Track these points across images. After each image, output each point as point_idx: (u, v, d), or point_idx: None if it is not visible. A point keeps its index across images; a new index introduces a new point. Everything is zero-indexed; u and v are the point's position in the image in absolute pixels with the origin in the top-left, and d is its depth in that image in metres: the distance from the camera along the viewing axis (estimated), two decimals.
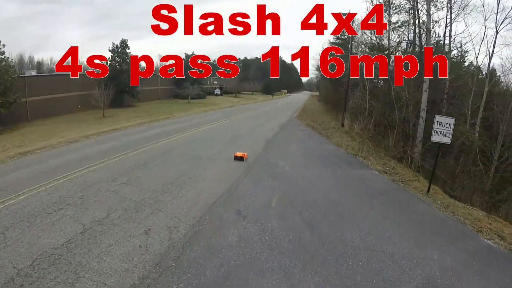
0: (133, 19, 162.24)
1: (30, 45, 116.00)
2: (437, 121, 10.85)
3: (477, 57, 22.88)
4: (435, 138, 10.96)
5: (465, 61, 26.60)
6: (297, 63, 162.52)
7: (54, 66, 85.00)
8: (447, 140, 11.07)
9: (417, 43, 25.78)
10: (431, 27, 21.54)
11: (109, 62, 44.81)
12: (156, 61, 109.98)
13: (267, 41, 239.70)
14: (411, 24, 26.49)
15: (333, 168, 12.31)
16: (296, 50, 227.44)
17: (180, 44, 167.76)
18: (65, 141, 16.40)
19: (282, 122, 25.99)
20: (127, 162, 11.68)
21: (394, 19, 27.31)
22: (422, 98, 21.06)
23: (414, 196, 10.08)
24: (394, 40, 27.09)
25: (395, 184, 11.34)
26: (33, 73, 44.00)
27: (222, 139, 16.77)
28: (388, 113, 25.29)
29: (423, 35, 25.26)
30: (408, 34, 26.81)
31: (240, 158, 12.17)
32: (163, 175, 10.09)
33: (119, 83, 42.53)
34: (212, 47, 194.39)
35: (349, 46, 30.24)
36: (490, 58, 21.41)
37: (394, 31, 26.72)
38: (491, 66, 23.60)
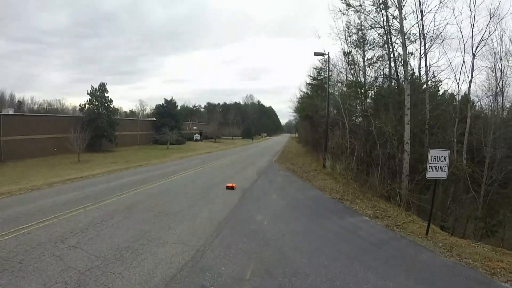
0: (116, 64, 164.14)
1: (13, 83, 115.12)
2: (432, 156, 9.69)
3: (458, 83, 22.62)
4: (430, 174, 9.72)
5: (439, 90, 26.46)
6: (275, 106, 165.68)
7: (35, 106, 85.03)
8: (443, 175, 9.91)
9: (394, 76, 25.55)
10: (407, 59, 21.21)
11: (87, 106, 44.20)
12: (137, 106, 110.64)
13: (246, 86, 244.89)
14: (385, 59, 26.43)
15: (318, 219, 10.68)
16: (274, 93, 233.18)
17: (161, 88, 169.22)
18: (27, 188, 15.04)
19: (261, 168, 24.56)
20: (83, 218, 9.96)
21: (369, 55, 27.29)
22: (405, 131, 20.24)
23: (413, 243, 8.69)
24: (371, 76, 26.84)
25: (390, 231, 9.89)
26: (10, 111, 42.70)
27: (194, 191, 15.01)
28: (370, 150, 24.33)
29: (400, 68, 25.11)
30: (383, 69, 26.65)
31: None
32: (120, 236, 8.33)
33: (96, 127, 41.95)
34: (193, 92, 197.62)
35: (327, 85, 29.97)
36: (470, 82, 21.03)
37: (370, 67, 26.52)
38: (471, 91, 23.23)
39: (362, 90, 23.94)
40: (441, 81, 24.54)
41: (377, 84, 26.44)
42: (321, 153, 33.25)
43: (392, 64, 25.41)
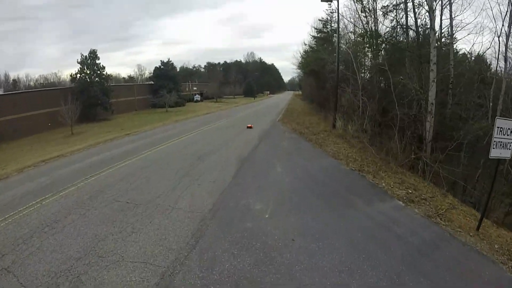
0: (111, 31, 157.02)
1: (9, 63, 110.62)
2: (498, 127, 6.68)
3: (499, 36, 18.32)
4: (494, 153, 6.80)
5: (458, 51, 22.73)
6: (277, 64, 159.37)
7: (31, 83, 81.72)
8: (507, 154, 6.97)
9: (413, 27, 21.75)
10: (433, 4, 17.42)
11: (78, 75, 41.62)
12: (135, 71, 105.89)
13: (246, 44, 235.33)
14: (401, 8, 22.45)
15: (338, 207, 7.80)
16: (276, 51, 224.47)
17: (159, 52, 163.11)
18: None
19: (264, 129, 21.50)
20: (33, 219, 7.38)
21: (384, 2, 23.28)
22: (430, 90, 17.01)
23: (468, 247, 6.07)
24: (386, 26, 22.96)
25: (433, 224, 7.18)
26: (0, 92, 40.54)
27: (180, 163, 12.16)
28: (386, 109, 21.14)
29: (422, 17, 21.27)
30: (399, 19, 22.72)
31: None
32: (65, 250, 5.81)
33: (89, 96, 39.78)
34: (191, 52, 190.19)
35: (337, 35, 26.21)
36: (508, 37, 17.20)
37: (385, 16, 22.56)
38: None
39: (378, 41, 20.27)
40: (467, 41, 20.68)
41: (392, 35, 22.66)
42: (329, 112, 30.06)
43: (411, 14, 21.53)
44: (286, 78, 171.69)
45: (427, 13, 20.88)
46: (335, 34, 32.14)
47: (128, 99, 54.34)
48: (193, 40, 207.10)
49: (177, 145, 16.31)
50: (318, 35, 35.05)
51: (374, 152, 15.42)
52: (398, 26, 20.82)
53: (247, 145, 15.35)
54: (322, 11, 37.73)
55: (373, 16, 23.40)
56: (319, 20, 33.44)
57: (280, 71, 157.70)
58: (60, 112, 31.43)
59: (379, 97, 21.48)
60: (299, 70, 65.26)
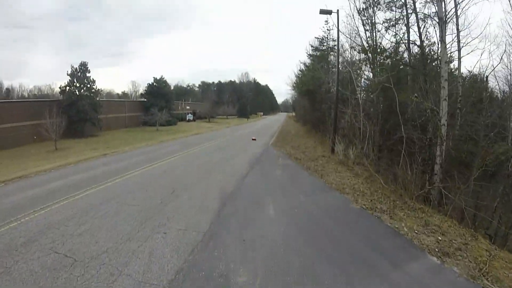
0: (107, 46, 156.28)
1: (2, 72, 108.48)
2: None
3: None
4: None
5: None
6: (271, 85, 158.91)
7: (24, 93, 79.45)
8: None
9: (416, 43, 20.00)
10: (444, 15, 15.64)
11: (67, 88, 39.14)
12: (129, 87, 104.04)
13: (241, 65, 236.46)
14: (402, 22, 20.80)
15: (358, 279, 5.34)
16: (270, 72, 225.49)
17: (154, 69, 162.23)
18: None
19: (255, 154, 19.09)
20: None
21: (382, 16, 21.58)
22: (442, 109, 15.00)
23: None
24: (388, 40, 21.16)
25: None
26: None
27: (148, 200, 9.68)
28: (390, 131, 19.07)
29: (428, 30, 19.61)
30: (403, 34, 21.00)
31: None
32: None
33: (77, 110, 37.25)
34: (186, 71, 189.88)
35: (336, 52, 24.45)
36: None
37: (387, 31, 20.82)
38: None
39: (383, 56, 18.38)
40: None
41: (396, 51, 20.87)
42: (325, 134, 27.96)
43: (415, 29, 19.86)
44: (279, 99, 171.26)
45: (435, 26, 19.25)
46: (331, 52, 30.54)
47: (118, 116, 52.11)
48: (188, 58, 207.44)
49: (152, 172, 13.84)
50: (315, 53, 33.36)
51: (382, 182, 13.19)
52: (401, 41, 18.96)
53: (234, 175, 12.92)
54: (318, 28, 36.90)
55: (373, 31, 21.74)
56: (316, 37, 31.84)
57: (274, 92, 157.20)
58: (44, 125, 29.30)
59: (381, 118, 19.45)
60: (293, 91, 63.88)
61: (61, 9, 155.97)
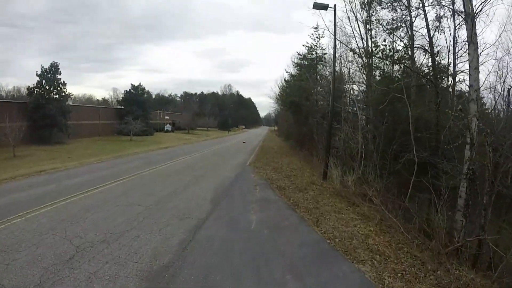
0: (94, 52, 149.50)
1: None
2: None
3: None
4: None
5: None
6: (254, 99, 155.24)
7: (2, 93, 72.89)
8: None
9: (426, 47, 16.24)
10: (471, 9, 11.86)
11: (36, 90, 34.64)
12: (111, 94, 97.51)
13: (225, 77, 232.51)
14: (405, 26, 17.10)
15: None
16: (253, 86, 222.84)
17: (139, 78, 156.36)
18: None
19: (226, 180, 14.44)
20: None
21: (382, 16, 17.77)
22: (471, 127, 11.09)
23: None
24: (388, 44, 17.27)
25: None
26: None
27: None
28: (396, 153, 14.99)
29: (440, 33, 15.92)
30: (405, 40, 17.23)
31: None
32: None
33: (44, 114, 32.51)
34: (171, 81, 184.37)
35: (325, 61, 20.49)
36: None
37: (391, 35, 16.93)
38: None
39: (393, 60, 14.41)
40: None
41: (406, 56, 17.02)
42: (313, 152, 23.75)
43: (423, 31, 16.16)
44: (262, 113, 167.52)
45: (450, 27, 15.52)
46: (320, 62, 26.62)
47: (92, 123, 46.90)
48: (173, 69, 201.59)
49: (71, 208, 9.10)
50: (302, 62, 29.30)
51: (402, 229, 8.97)
52: (416, 46, 15.09)
53: (182, 223, 8.01)
54: (308, 35, 33.22)
55: (370, 36, 17.92)
56: (303, 45, 27.81)
57: (256, 106, 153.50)
58: (2, 129, 25.19)
59: (384, 137, 15.38)
60: (276, 105, 59.93)
61: (51, 11, 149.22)
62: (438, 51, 16.22)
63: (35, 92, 34.65)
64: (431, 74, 16.08)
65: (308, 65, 27.77)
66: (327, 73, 25.60)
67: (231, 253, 6.31)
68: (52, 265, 5.58)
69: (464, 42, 14.25)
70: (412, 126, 13.64)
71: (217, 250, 6.42)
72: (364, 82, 18.51)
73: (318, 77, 26.87)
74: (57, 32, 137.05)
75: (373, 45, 16.52)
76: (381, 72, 16.97)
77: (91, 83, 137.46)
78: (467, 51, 13.77)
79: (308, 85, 24.40)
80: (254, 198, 11.11)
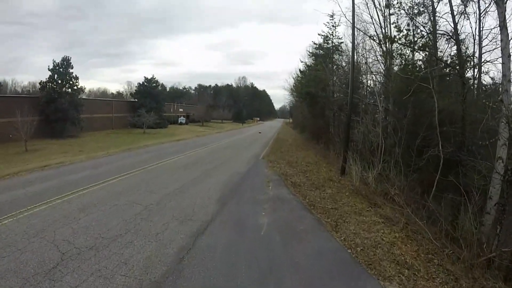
0: (105, 47, 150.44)
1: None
2: None
3: None
4: None
5: None
6: (269, 91, 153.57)
7: (18, 89, 74.84)
8: None
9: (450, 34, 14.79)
10: None
11: (48, 84, 35.00)
12: (125, 87, 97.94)
13: (239, 69, 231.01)
14: (427, 12, 15.62)
15: None
16: (267, 79, 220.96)
17: (152, 71, 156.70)
18: None
19: (236, 175, 13.49)
20: None
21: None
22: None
23: None
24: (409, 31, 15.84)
25: None
26: None
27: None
28: (419, 148, 13.76)
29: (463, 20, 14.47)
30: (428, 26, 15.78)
31: None
32: None
33: (57, 108, 32.98)
34: (184, 74, 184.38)
35: (341, 50, 19.29)
36: None
37: (413, 21, 15.50)
38: None
39: (413, 48, 13.13)
40: None
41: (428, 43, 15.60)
42: (329, 146, 22.64)
43: (448, 17, 14.65)
44: (277, 105, 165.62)
45: (476, 12, 14.03)
46: (337, 51, 25.29)
47: (105, 116, 47.04)
48: (186, 62, 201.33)
49: (67, 207, 8.42)
50: (317, 52, 27.94)
51: (430, 235, 7.96)
52: (439, 32, 13.72)
53: (183, 226, 7.10)
54: (323, 24, 31.85)
55: (389, 22, 16.59)
56: (319, 34, 26.44)
57: (271, 98, 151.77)
58: (14, 124, 25.68)
59: (406, 131, 14.16)
60: (291, 97, 58.57)
61: (60, 7, 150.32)
62: (463, 39, 14.82)
63: (48, 86, 34.89)
64: (457, 62, 14.69)
65: (324, 54, 26.41)
66: (344, 63, 24.32)
67: (237, 266, 5.42)
68: (33, 275, 4.91)
69: (490, 30, 12.88)
70: (437, 119, 12.40)
71: (220, 261, 5.54)
72: (383, 72, 17.23)
73: (334, 67, 25.60)
74: (68, 28, 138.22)
75: (395, 30, 15.17)
76: (403, 61, 15.63)
77: (104, 78, 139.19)
78: (494, 39, 12.45)
79: (325, 75, 23.15)
80: (266, 196, 10.18)
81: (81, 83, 37.07)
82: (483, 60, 14.16)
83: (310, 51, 29.67)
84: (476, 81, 15.21)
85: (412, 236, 7.83)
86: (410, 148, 13.76)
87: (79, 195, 9.47)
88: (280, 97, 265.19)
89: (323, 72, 23.30)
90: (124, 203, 8.72)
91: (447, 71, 15.53)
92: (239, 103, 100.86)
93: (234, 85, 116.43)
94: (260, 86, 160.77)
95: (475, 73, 15.11)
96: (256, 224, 7.51)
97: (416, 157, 13.76)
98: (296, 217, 8.23)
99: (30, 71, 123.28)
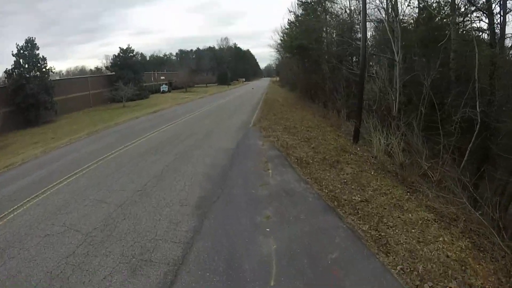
0: (80, 23, 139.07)
1: None
2: None
3: None
4: None
5: None
6: (253, 51, 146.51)
7: None
8: None
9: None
10: None
11: (15, 71, 31.30)
12: (103, 62, 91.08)
13: (220, 31, 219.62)
14: None
15: None
16: (251, 38, 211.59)
17: (131, 42, 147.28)
18: None
19: (224, 153, 10.70)
20: None
21: None
22: None
23: None
24: None
25: None
26: None
27: None
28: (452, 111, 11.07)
29: None
30: None
31: None
32: None
33: (26, 95, 29.84)
34: (164, 41, 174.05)
35: None
36: None
37: None
38: None
39: None
40: None
41: None
42: (328, 104, 19.81)
43: None
44: (262, 64, 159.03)
45: None
46: None
47: (81, 95, 43.03)
48: (166, 29, 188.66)
49: None
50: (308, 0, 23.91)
51: (499, 241, 5.48)
52: None
53: (132, 278, 4.45)
54: None
55: None
56: None
57: (256, 58, 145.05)
58: None
59: (434, 86, 11.32)
60: (277, 54, 54.28)
61: None
62: None
63: (14, 73, 31.25)
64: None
65: (316, 1, 22.58)
66: (338, 9, 20.78)
67: None
68: None
69: None
70: (477, 71, 9.59)
71: None
72: (392, 17, 13.96)
73: (327, 16, 22.00)
74: (40, 9, 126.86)
75: None
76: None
77: (83, 55, 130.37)
78: None
79: (318, 23, 19.67)
80: (266, 190, 7.38)
81: (59, 63, 33.14)
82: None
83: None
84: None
85: (479, 244, 5.32)
86: (436, 109, 11.02)
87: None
88: (265, 55, 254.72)
89: (316, 20, 19.77)
90: (55, 232, 5.72)
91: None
92: (223, 65, 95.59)
93: (216, 47, 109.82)
94: (244, 46, 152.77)
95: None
96: (257, 261, 4.72)
97: (442, 120, 11.10)
98: (319, 232, 5.47)
99: (6, 61, 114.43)
